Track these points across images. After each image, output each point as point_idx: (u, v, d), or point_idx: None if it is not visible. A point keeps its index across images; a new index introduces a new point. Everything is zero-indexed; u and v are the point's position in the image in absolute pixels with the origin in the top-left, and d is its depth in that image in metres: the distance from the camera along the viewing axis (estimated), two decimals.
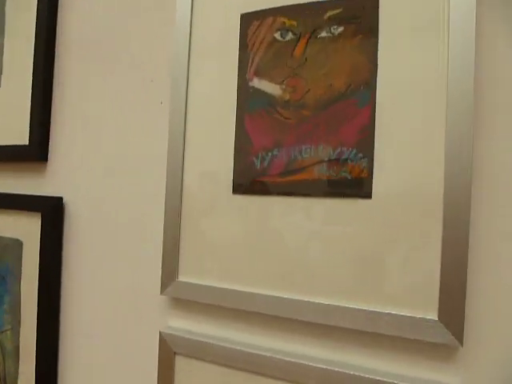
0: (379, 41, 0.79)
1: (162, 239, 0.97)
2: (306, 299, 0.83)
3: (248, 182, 0.89)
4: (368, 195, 0.79)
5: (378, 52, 0.79)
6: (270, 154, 0.87)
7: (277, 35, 0.87)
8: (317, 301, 0.83)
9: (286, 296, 0.85)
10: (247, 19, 0.90)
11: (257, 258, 0.88)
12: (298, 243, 0.84)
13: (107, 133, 1.10)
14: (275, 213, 0.86)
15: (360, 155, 0.80)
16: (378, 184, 0.78)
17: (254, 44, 0.89)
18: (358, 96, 0.80)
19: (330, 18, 0.83)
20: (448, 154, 0.73)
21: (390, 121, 0.78)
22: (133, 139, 1.06)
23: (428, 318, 0.74)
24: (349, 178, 0.80)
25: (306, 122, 0.84)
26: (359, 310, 0.79)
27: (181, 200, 0.95)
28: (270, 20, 0.88)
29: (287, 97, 0.86)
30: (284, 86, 0.86)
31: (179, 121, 0.95)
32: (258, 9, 0.90)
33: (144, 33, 1.06)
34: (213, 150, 0.93)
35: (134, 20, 1.08)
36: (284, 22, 0.87)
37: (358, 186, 0.80)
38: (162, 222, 0.97)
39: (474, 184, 0.73)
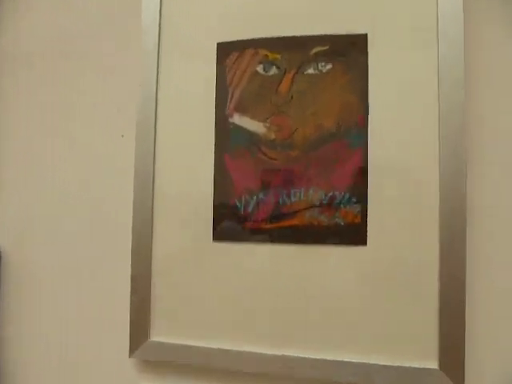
0: (369, 80, 0.76)
1: (129, 295, 0.84)
2: (296, 354, 0.77)
3: (230, 229, 0.80)
4: (363, 242, 0.75)
5: (369, 91, 0.76)
6: (254, 197, 0.79)
7: (259, 68, 0.81)
8: (308, 356, 0.76)
9: (273, 353, 0.78)
10: (225, 49, 0.82)
11: (239, 313, 0.80)
12: (287, 296, 0.78)
13: (53, 176, 0.94)
14: (261, 262, 0.79)
15: (353, 200, 0.76)
16: (373, 230, 0.75)
17: (233, 76, 0.82)
18: (350, 137, 0.76)
19: (316, 53, 0.78)
20: (443, 202, 0.72)
21: (384, 163, 0.75)
22: (87, 180, 0.92)
23: (428, 367, 0.72)
24: (342, 223, 0.76)
25: (294, 164, 0.78)
26: (355, 363, 0.75)
27: (151, 248, 0.84)
28: (250, 51, 0.81)
29: (272, 136, 0.79)
30: (268, 124, 0.79)
31: (146, 160, 0.84)
32: (236, 39, 0.82)
33: (107, 65, 0.93)
34: (188, 194, 0.83)
35: (99, 48, 0.94)
36: (266, 55, 0.80)
37: (351, 232, 0.75)
38: (129, 275, 0.85)
39: (470, 233, 0.72)
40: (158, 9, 0.85)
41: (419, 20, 0.75)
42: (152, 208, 0.83)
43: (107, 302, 0.89)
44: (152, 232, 0.83)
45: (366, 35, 0.77)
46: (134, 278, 0.83)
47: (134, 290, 0.83)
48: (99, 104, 0.91)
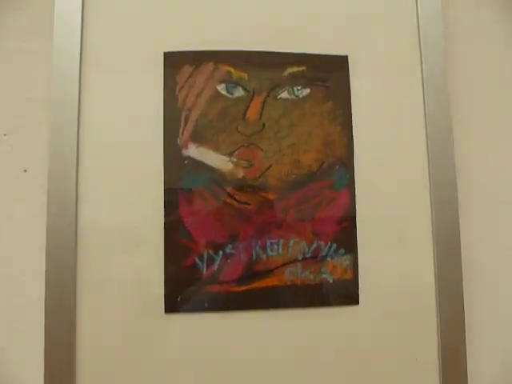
0: (353, 108, 0.65)
1: None
2: None
3: (188, 295, 0.61)
4: (354, 301, 0.63)
5: (353, 122, 0.65)
6: (220, 252, 0.61)
7: (220, 88, 0.64)
8: None
9: None
10: (174, 61, 0.64)
11: None
12: (266, 375, 0.61)
13: None
14: (231, 337, 0.61)
15: (341, 251, 0.63)
16: (365, 286, 0.63)
17: (186, 97, 0.63)
18: (334, 176, 0.64)
19: (291, 75, 0.65)
20: (439, 249, 0.64)
21: (374, 205, 0.64)
22: None
23: None
24: (330, 281, 0.62)
25: (269, 209, 0.63)
26: None
27: (74, 326, 0.60)
28: (209, 66, 0.64)
29: (240, 173, 0.63)
30: (235, 159, 0.63)
31: (61, 210, 0.60)
32: (190, 49, 0.64)
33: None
34: (127, 253, 0.61)
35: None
36: (230, 73, 0.64)
37: (341, 290, 0.63)
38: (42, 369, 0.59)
39: (466, 283, 0.64)
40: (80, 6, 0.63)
41: (402, 43, 0.67)
42: (75, 278, 0.59)
43: None
44: (75, 310, 0.59)
45: (346, 57, 0.66)
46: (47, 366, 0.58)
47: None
48: None
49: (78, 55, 0.63)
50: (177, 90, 0.63)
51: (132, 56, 0.64)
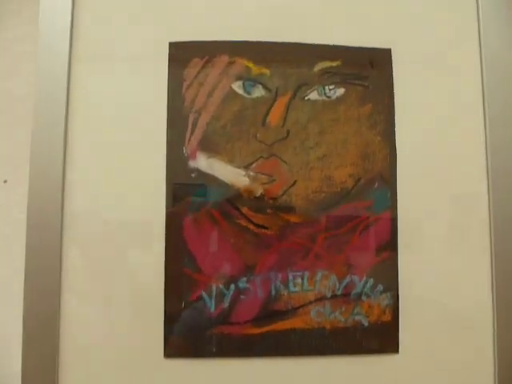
0: (396, 113, 0.54)
1: None
2: None
3: (192, 337, 0.50)
4: (394, 349, 0.51)
5: (396, 130, 0.53)
6: (232, 286, 0.51)
7: (236, 87, 0.53)
8: None
9: None
10: (182, 53, 0.53)
11: None
12: None
13: None
14: None
15: (379, 288, 0.52)
16: (407, 330, 0.52)
17: (195, 97, 0.52)
18: (372, 195, 0.53)
19: (322, 72, 0.54)
20: (498, 284, 0.52)
21: (421, 232, 0.53)
22: None
23: None
24: (365, 324, 0.51)
25: (293, 234, 0.52)
26: None
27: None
28: (223, 59, 0.53)
29: (259, 191, 0.52)
30: (253, 173, 0.52)
31: (45, 225, 0.50)
32: (201, 39, 0.53)
33: None
34: (119, 284, 0.51)
35: None
36: (248, 68, 0.53)
37: (378, 335, 0.51)
38: None
39: None
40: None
41: (458, 32, 0.56)
42: (59, 308, 0.49)
43: None
44: (58, 358, 0.49)
45: (389, 51, 0.54)
46: None
47: None
48: None
49: (67, 45, 0.52)
50: (184, 87, 0.53)
51: (131, 47, 0.54)
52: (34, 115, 0.51)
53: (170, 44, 0.53)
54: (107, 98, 0.53)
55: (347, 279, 0.52)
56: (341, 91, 0.54)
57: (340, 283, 0.52)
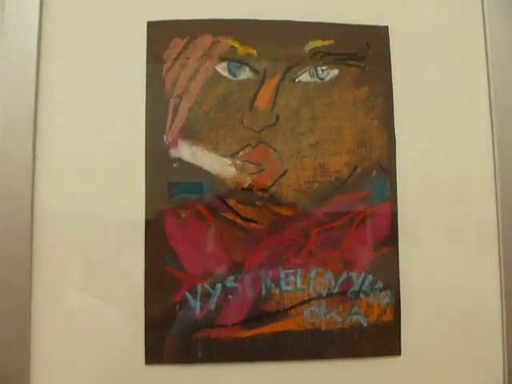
0: (395, 96, 0.49)
1: None
2: None
3: (176, 342, 0.46)
4: (395, 351, 0.47)
5: (395, 114, 0.49)
6: (219, 285, 0.47)
7: (221, 69, 0.49)
8: None
9: None
10: (161, 33, 0.49)
11: None
12: None
13: None
14: None
15: (379, 285, 0.48)
16: (408, 331, 0.47)
17: (176, 80, 0.48)
18: (370, 185, 0.49)
19: (314, 51, 0.49)
20: (507, 282, 0.48)
21: (423, 224, 0.49)
22: None
23: None
24: (364, 324, 0.47)
25: (284, 229, 0.47)
26: None
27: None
28: (206, 40, 0.49)
29: (247, 181, 0.48)
30: (240, 162, 0.48)
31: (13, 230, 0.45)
32: (182, 17, 0.49)
33: None
34: (99, 281, 0.47)
35: None
36: (234, 48, 0.49)
37: (379, 336, 0.47)
38: None
39: None
40: None
41: (462, 7, 0.52)
42: (29, 318, 0.45)
43: None
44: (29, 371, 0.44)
45: (386, 28, 0.50)
46: None
47: None
48: None
49: (36, 25, 0.48)
50: (164, 70, 0.49)
51: (106, 27, 0.50)
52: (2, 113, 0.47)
53: (149, 23, 0.49)
54: (80, 84, 0.49)
55: (344, 276, 0.48)
56: (334, 73, 0.50)
57: (336, 281, 0.48)
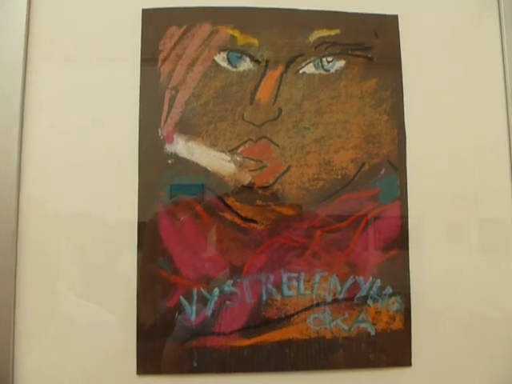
0: (405, 89, 0.47)
1: None
2: None
3: (169, 351, 0.43)
4: (406, 362, 0.44)
5: (405, 108, 0.46)
6: (216, 290, 0.43)
7: (220, 59, 0.46)
8: None
9: None
10: (157, 21, 0.46)
11: None
12: None
13: None
14: None
15: (388, 290, 0.45)
16: (419, 340, 0.44)
17: (173, 71, 0.45)
18: (379, 183, 0.46)
19: (319, 41, 0.46)
20: None
21: (435, 225, 0.46)
22: None
23: None
24: (372, 332, 0.44)
25: (286, 230, 0.44)
26: None
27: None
28: (205, 29, 0.46)
29: (247, 179, 0.45)
30: (239, 158, 0.45)
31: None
32: (178, 5, 0.46)
33: None
34: (90, 284, 0.44)
35: None
36: (234, 38, 0.46)
37: (388, 346, 0.44)
38: None
39: None
40: None
41: None
42: (13, 324, 0.42)
43: None
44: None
45: (396, 17, 0.47)
46: None
47: None
48: None
49: (24, 16, 0.45)
50: (159, 60, 0.46)
51: (99, 15, 0.47)
52: None
53: (144, 11, 0.47)
54: (71, 76, 0.46)
55: (350, 281, 0.45)
56: (341, 64, 0.47)
57: (342, 285, 0.45)
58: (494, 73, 0.48)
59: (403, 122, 0.47)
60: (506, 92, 0.47)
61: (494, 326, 0.46)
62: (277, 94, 0.46)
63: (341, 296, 0.45)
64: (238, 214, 0.45)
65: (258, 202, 0.45)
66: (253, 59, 0.46)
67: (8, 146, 0.43)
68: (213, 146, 0.45)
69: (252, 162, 0.45)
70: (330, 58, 0.47)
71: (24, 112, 0.45)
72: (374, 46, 0.47)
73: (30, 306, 0.43)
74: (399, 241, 0.45)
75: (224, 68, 0.46)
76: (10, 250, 0.43)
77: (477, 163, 0.47)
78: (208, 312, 0.44)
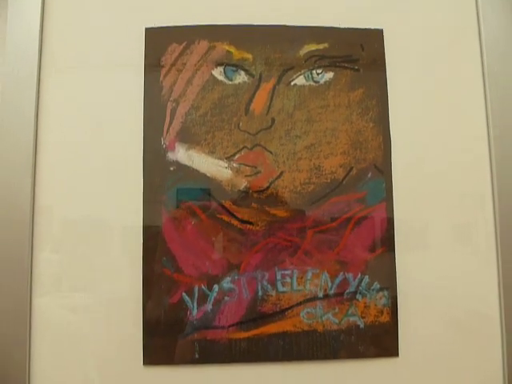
0: (390, 98, 0.50)
1: None
2: None
3: (173, 343, 0.46)
4: (393, 352, 0.47)
5: (390, 116, 0.50)
6: (215, 287, 0.47)
7: (217, 73, 0.50)
8: None
9: None
10: (159, 39, 0.50)
11: None
12: None
13: None
14: None
15: (375, 286, 0.48)
16: (406, 332, 0.47)
17: (174, 84, 0.49)
18: (366, 186, 0.49)
19: (309, 55, 0.50)
20: (506, 281, 0.48)
21: (419, 225, 0.49)
22: None
23: None
24: (361, 325, 0.47)
25: (280, 230, 0.48)
26: None
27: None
28: (203, 45, 0.50)
29: (243, 183, 0.48)
30: (236, 165, 0.48)
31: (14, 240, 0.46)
32: (178, 24, 0.50)
33: None
34: (93, 289, 0.48)
35: None
36: (230, 53, 0.50)
37: (376, 337, 0.47)
38: None
39: None
40: None
41: (456, 11, 0.52)
42: (29, 319, 0.46)
43: None
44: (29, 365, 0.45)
45: (381, 32, 0.51)
46: None
47: None
48: None
49: (37, 28, 0.49)
50: (161, 75, 0.50)
51: (105, 34, 0.51)
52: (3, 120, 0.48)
53: (147, 30, 0.50)
54: (79, 89, 0.50)
55: (340, 277, 0.48)
56: (329, 75, 0.50)
57: (332, 282, 0.48)
58: (474, 83, 0.51)
59: (388, 129, 0.50)
60: (485, 100, 0.50)
61: (476, 319, 0.49)
62: (270, 104, 0.49)
63: (331, 291, 0.48)
64: (235, 217, 0.48)
65: (254, 205, 0.48)
66: (247, 73, 0.50)
67: (24, 158, 0.48)
68: (211, 153, 0.49)
69: (248, 168, 0.49)
70: (319, 70, 0.50)
71: (38, 127, 0.49)
72: (361, 59, 0.50)
73: (44, 299, 0.47)
74: (385, 239, 0.49)
75: (221, 81, 0.50)
76: (26, 252, 0.47)
77: (457, 166, 0.50)
78: (208, 307, 0.47)
